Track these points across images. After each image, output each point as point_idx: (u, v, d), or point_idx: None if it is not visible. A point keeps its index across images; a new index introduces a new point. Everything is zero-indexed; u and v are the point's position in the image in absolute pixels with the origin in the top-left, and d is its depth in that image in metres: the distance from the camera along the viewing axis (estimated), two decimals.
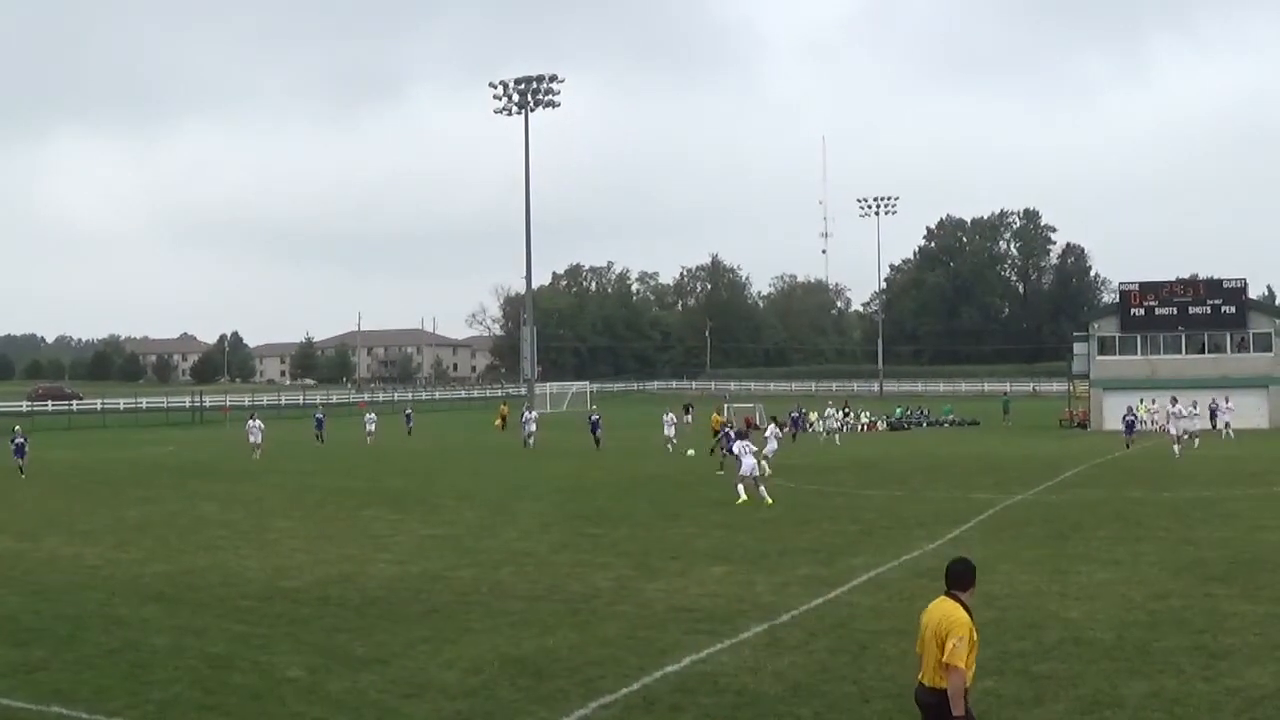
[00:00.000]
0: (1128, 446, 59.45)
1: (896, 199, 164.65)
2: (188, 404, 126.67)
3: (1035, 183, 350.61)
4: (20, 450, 51.07)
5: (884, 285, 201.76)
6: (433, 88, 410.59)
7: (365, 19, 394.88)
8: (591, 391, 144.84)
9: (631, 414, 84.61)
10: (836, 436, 73.45)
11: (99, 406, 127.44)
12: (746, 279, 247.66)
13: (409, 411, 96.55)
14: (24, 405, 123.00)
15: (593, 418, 70.53)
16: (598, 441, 65.46)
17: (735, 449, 38.57)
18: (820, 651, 17.07)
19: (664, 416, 69.03)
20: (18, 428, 53.13)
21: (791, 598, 21.16)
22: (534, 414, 70.40)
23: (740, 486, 36.56)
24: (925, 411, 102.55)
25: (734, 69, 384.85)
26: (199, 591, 22.84)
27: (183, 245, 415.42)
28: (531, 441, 65.51)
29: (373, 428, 77.32)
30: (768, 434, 51.23)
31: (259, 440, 61.39)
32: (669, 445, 62.90)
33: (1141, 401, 75.83)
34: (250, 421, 63.90)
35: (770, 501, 35.68)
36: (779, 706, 14.49)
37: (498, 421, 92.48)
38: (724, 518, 33.43)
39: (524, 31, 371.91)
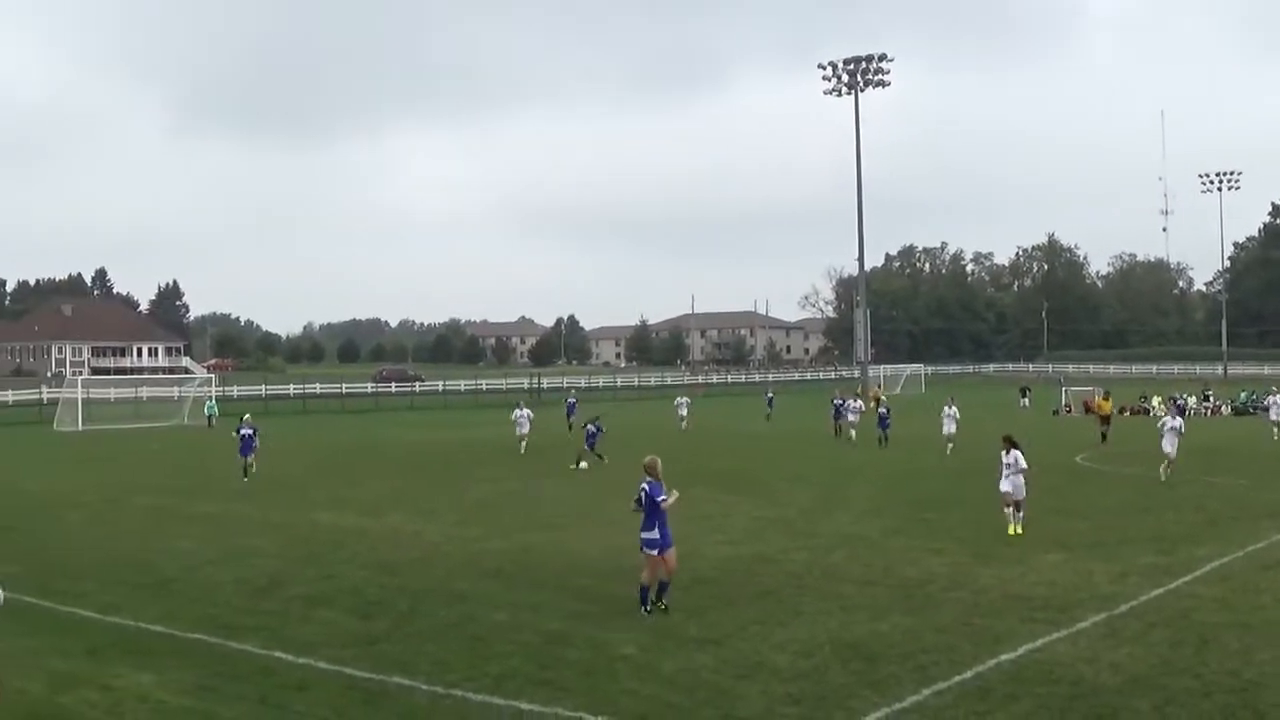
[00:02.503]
0: None
1: (1240, 174, 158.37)
2: (526, 385, 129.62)
3: None
4: (248, 444, 42.02)
5: (1228, 264, 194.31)
6: (757, 71, 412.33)
7: (684, 4, 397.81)
8: (896, 375, 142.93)
9: (968, 397, 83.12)
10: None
11: (440, 388, 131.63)
12: (1084, 258, 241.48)
13: (770, 395, 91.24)
14: (369, 387, 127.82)
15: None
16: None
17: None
18: (1159, 644, 16.70)
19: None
20: (247, 416, 44.72)
21: (1131, 587, 20.73)
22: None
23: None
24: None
25: (1059, 43, 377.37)
26: (537, 569, 23.50)
27: (521, 231, 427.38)
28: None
29: (685, 412, 72.30)
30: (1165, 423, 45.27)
31: (525, 431, 52.15)
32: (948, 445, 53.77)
33: None
34: (517, 411, 53.89)
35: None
36: (1116, 699, 14.24)
37: (872, 402, 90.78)
38: (1062, 504, 32.80)
39: (841, 13, 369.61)
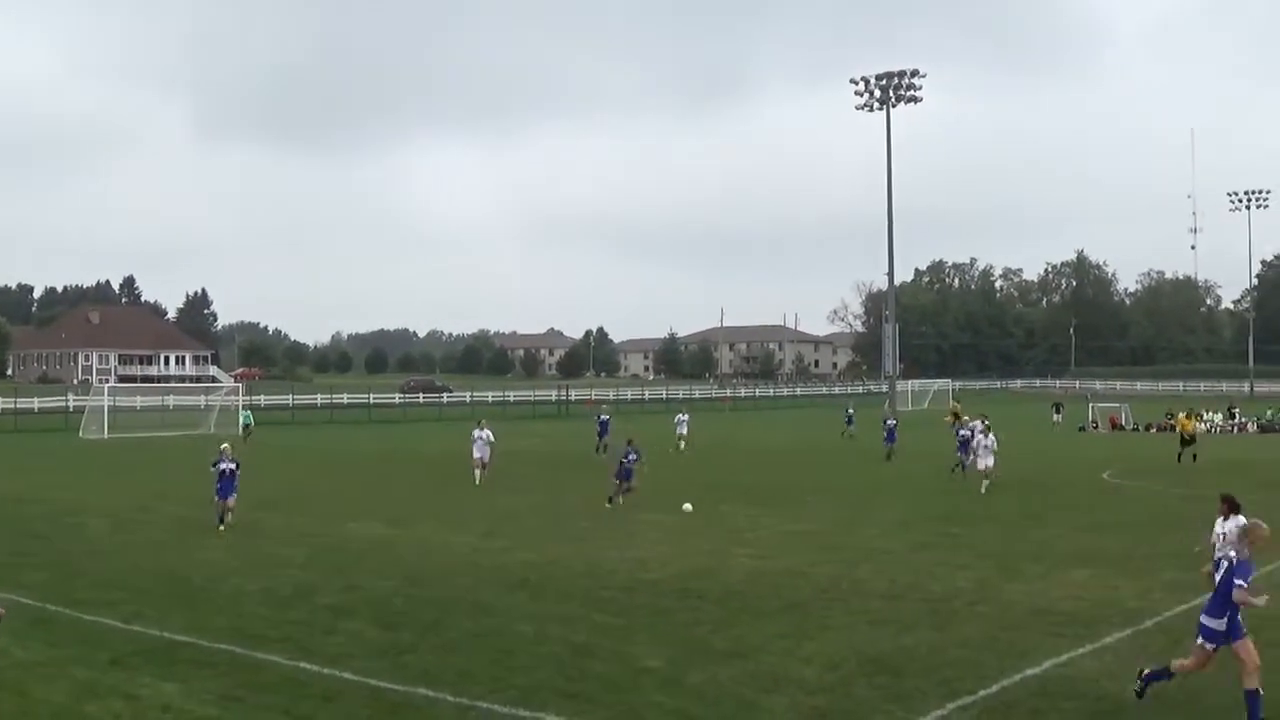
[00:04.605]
0: None
1: (1269, 192, 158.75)
2: (554, 397, 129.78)
3: None
4: (228, 484, 31.58)
5: (1255, 282, 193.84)
6: (787, 85, 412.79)
7: (711, 18, 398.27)
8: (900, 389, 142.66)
9: (999, 413, 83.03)
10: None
11: (468, 399, 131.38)
12: (1113, 275, 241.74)
13: (851, 411, 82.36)
14: (396, 397, 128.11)
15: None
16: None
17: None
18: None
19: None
20: (226, 446, 33.22)
21: (1156, 602, 20.75)
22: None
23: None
24: None
25: (1089, 60, 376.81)
26: (563, 581, 23.50)
27: (551, 244, 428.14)
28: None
29: (685, 430, 64.80)
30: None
31: (483, 456, 43.70)
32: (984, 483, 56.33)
33: None
34: (476, 431, 44.81)
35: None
36: (1141, 715, 14.28)
37: (949, 418, 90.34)
38: (1089, 519, 32.82)
39: (873, 29, 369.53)
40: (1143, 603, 20.80)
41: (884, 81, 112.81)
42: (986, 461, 40.73)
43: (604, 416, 64.43)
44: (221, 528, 30.53)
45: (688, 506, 33.69)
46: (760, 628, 18.96)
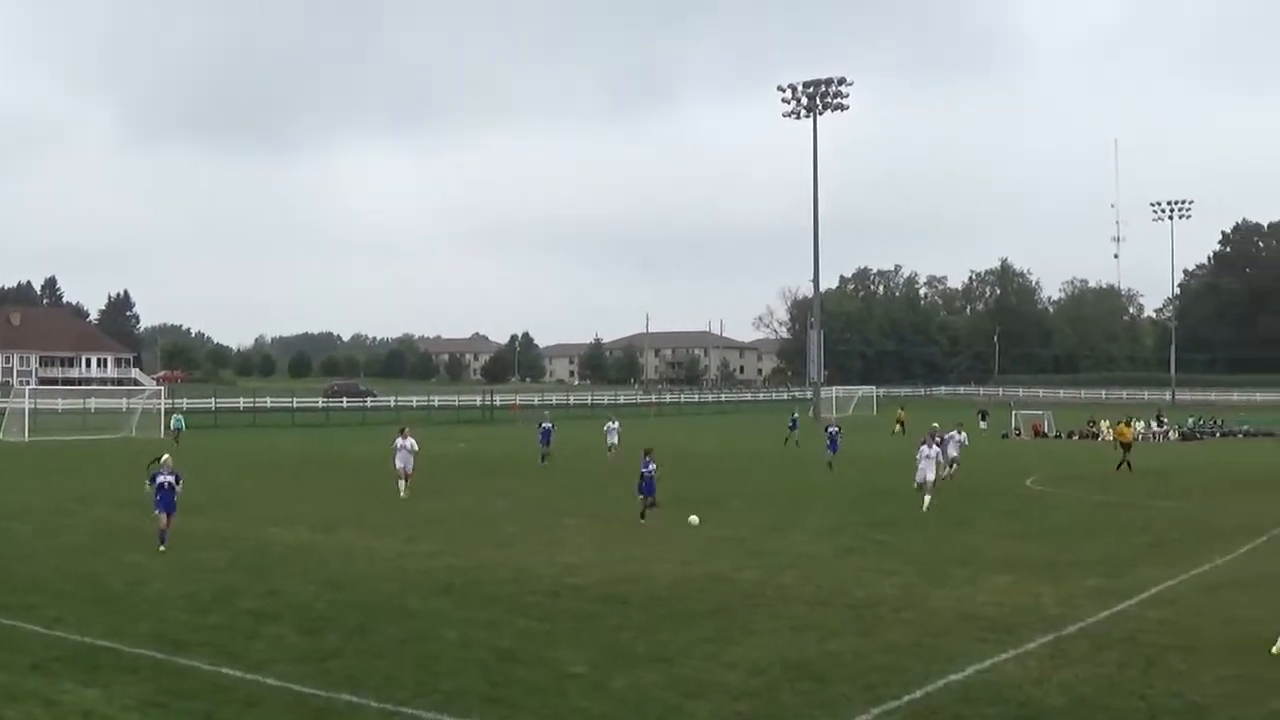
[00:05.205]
0: None
1: (1190, 203, 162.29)
2: (479, 403, 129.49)
3: None
4: (167, 498, 28.43)
5: (1178, 291, 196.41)
6: (716, 92, 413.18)
7: (640, 26, 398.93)
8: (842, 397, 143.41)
9: (923, 419, 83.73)
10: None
11: (392, 404, 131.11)
12: (1036, 284, 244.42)
13: (795, 416, 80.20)
14: (320, 401, 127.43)
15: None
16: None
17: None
18: (1107, 665, 16.83)
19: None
20: (166, 458, 29.56)
21: (1078, 609, 20.88)
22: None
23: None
24: (1219, 421, 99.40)
25: (1016, 71, 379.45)
26: (489, 586, 23.40)
27: (477, 247, 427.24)
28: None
29: (615, 439, 59.96)
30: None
31: (407, 467, 40.44)
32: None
33: None
34: (399, 440, 41.37)
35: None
36: (1063, 719, 14.37)
37: (897, 426, 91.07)
38: (1013, 526, 33.10)
39: (800, 37, 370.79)
40: (1065, 609, 20.93)
41: (811, 89, 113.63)
42: (928, 474, 37.57)
43: (546, 424, 58.69)
44: (162, 548, 27.50)
45: (694, 519, 32.36)
46: (685, 633, 18.94)
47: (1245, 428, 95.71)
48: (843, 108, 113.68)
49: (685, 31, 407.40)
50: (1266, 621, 19.11)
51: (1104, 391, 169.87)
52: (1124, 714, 14.56)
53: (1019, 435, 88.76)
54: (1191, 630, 18.96)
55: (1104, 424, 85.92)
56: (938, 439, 40.50)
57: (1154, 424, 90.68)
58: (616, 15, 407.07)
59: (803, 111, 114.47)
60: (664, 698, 15.22)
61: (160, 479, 28.47)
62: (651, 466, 34.11)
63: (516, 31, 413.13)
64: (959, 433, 50.17)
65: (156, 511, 28.31)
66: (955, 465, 46.04)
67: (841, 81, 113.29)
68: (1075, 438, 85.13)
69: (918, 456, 38.00)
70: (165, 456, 29.69)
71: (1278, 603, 21.14)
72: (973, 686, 15.73)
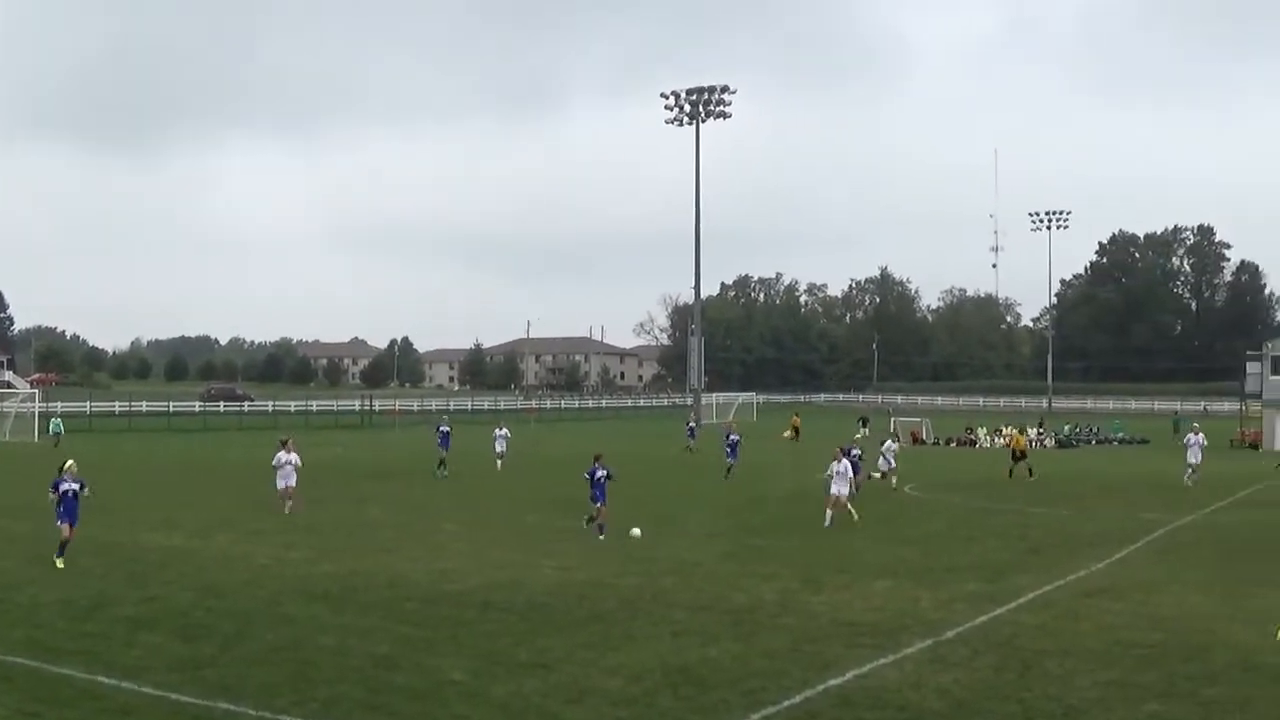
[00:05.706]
0: None
1: (1068, 213, 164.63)
2: (357, 407, 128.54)
3: (1209, 198, 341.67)
4: (71, 507, 27.38)
5: (1054, 301, 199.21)
6: (598, 97, 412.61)
7: (528, 25, 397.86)
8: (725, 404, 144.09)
9: (804, 426, 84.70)
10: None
11: (270, 408, 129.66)
12: (916, 292, 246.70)
13: (693, 424, 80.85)
14: (196, 405, 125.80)
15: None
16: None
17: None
18: (984, 669, 17.04)
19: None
20: (70, 464, 28.20)
21: (956, 614, 21.13)
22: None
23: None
24: (1095, 429, 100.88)
25: (895, 80, 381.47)
26: (365, 592, 23.31)
27: (355, 252, 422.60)
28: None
29: (503, 446, 57.51)
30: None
31: (291, 484, 37.66)
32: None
33: None
34: (282, 454, 38.25)
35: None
36: None
37: (788, 433, 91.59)
38: (891, 532, 33.39)
39: (683, 42, 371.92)
40: (943, 613, 21.17)
41: (694, 96, 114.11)
42: (841, 489, 35.45)
43: (444, 428, 55.38)
44: (60, 562, 26.10)
45: (636, 531, 31.65)
46: (564, 639, 18.95)
47: (1120, 435, 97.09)
48: (725, 115, 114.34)
49: (573, 36, 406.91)
50: (1140, 627, 19.48)
51: (982, 399, 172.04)
52: (1001, 717, 14.76)
53: (898, 442, 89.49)
54: (1067, 635, 19.25)
55: (981, 431, 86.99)
56: (851, 454, 39.34)
57: (1036, 432, 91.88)
58: (504, 21, 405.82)
59: (685, 119, 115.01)
60: (544, 705, 15.21)
61: (64, 486, 27.28)
62: (601, 472, 32.84)
63: (403, 33, 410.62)
64: (894, 442, 52.27)
65: (59, 523, 26.97)
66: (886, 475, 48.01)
67: (724, 90, 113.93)
68: (953, 445, 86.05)
69: (828, 473, 36.02)
70: (69, 463, 28.37)
71: (1152, 608, 21.57)
72: (852, 691, 15.85)
